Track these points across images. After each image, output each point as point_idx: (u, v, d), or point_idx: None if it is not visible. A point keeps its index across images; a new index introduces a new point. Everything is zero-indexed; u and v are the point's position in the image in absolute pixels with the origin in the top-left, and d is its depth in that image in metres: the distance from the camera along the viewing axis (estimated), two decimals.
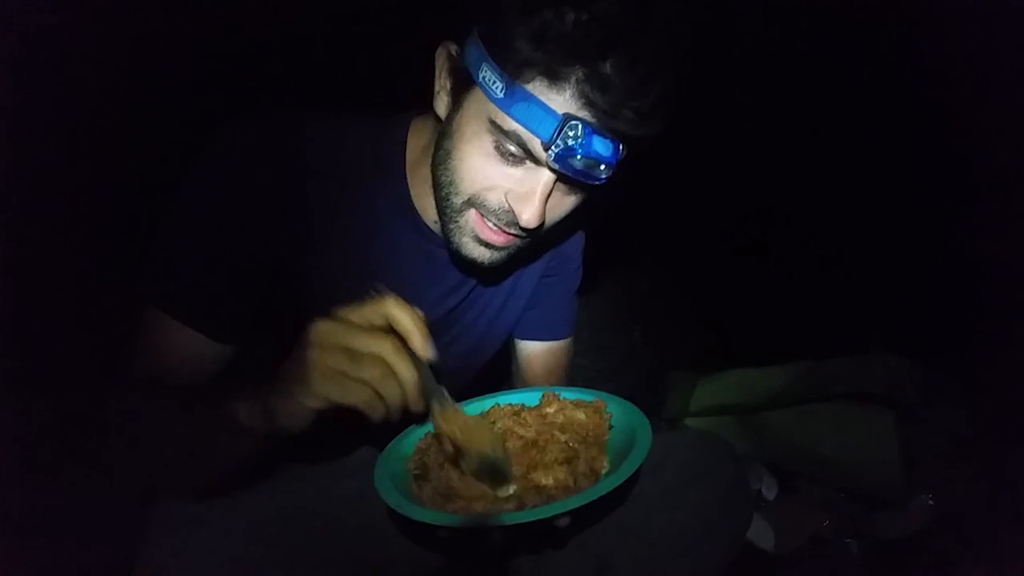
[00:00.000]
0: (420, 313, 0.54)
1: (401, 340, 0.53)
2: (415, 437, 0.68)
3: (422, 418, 0.67)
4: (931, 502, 1.21)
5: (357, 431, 0.81)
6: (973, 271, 1.65)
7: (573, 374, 1.00)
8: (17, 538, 0.95)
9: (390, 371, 0.50)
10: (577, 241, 0.91)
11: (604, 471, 0.62)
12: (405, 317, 0.53)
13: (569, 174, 0.59)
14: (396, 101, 0.75)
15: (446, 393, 0.59)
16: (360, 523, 0.73)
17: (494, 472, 0.59)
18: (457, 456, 0.60)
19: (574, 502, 0.54)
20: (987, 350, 1.43)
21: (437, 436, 0.62)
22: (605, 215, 0.85)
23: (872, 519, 1.22)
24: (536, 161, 0.60)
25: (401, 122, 0.73)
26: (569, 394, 0.74)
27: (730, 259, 2.07)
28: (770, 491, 1.30)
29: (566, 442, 0.64)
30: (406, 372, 0.51)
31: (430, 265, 0.75)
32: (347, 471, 0.80)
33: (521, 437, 0.66)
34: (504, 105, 0.57)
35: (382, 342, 0.50)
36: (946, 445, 1.28)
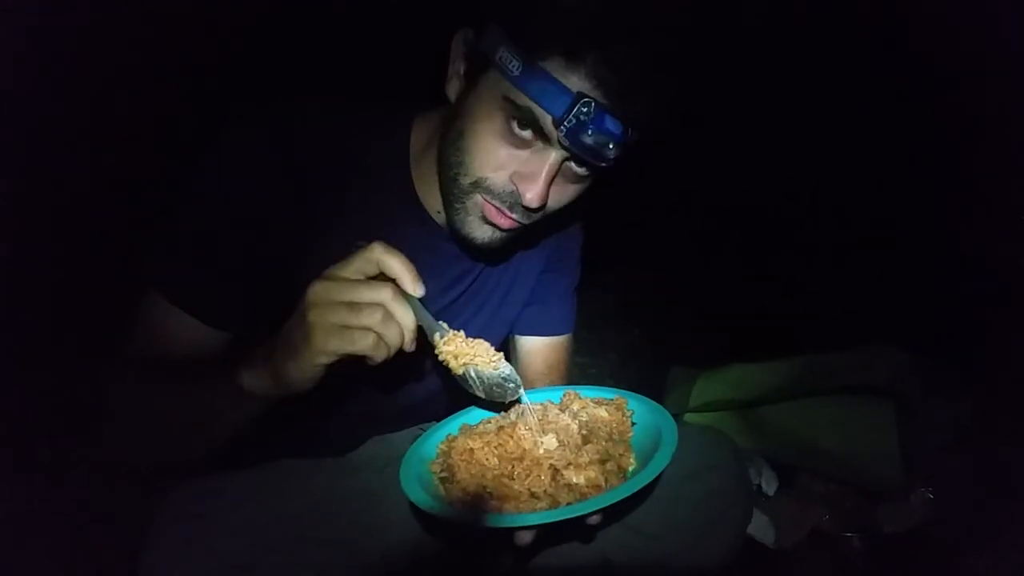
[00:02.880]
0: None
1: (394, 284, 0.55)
2: (436, 440, 0.67)
3: (428, 413, 0.67)
4: (931, 495, 1.21)
5: (364, 423, 0.82)
6: (973, 264, 1.65)
7: (574, 372, 1.00)
8: (17, 535, 0.95)
9: (389, 315, 0.53)
10: (576, 237, 0.91)
11: (631, 468, 0.62)
12: (394, 261, 0.55)
13: (578, 151, 0.60)
14: (401, 95, 0.76)
15: (444, 325, 0.61)
16: (364, 520, 0.73)
17: (502, 384, 0.62)
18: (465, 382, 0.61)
19: (608, 499, 0.54)
20: (987, 343, 1.43)
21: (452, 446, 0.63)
22: (605, 212, 0.86)
23: (873, 513, 1.23)
24: (546, 140, 0.61)
25: (405, 115, 0.74)
26: (590, 392, 0.74)
27: (730, 255, 2.07)
28: (770, 486, 1.30)
29: (594, 441, 0.63)
30: (404, 315, 0.54)
31: (432, 257, 0.76)
32: (351, 468, 0.80)
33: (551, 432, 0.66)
34: (519, 82, 0.59)
35: (379, 290, 0.53)
36: (946, 438, 1.28)
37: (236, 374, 0.58)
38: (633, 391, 0.73)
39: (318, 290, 0.53)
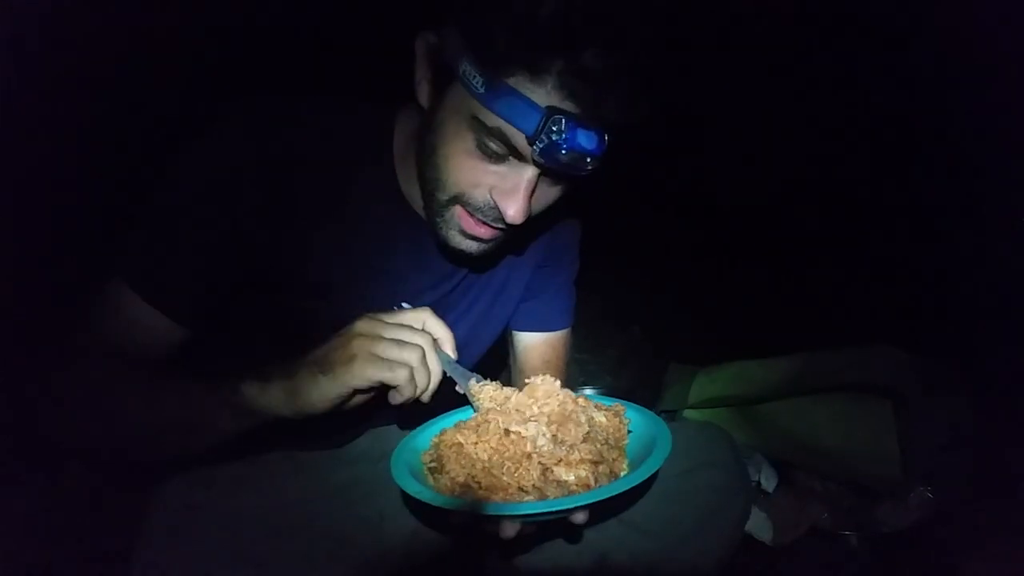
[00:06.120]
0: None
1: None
2: (431, 433, 0.67)
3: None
4: (930, 494, 1.21)
5: (363, 420, 0.81)
6: (973, 263, 1.65)
7: (573, 369, 0.99)
8: (13, 531, 0.95)
9: (424, 360, 0.58)
10: (572, 231, 0.90)
11: (623, 473, 0.62)
12: (440, 326, 0.63)
13: (555, 168, 0.59)
14: (383, 89, 0.74)
15: (479, 376, 0.67)
16: (359, 512, 0.73)
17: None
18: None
19: (594, 496, 0.54)
20: (987, 342, 1.43)
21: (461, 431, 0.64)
22: (604, 210, 0.85)
23: (871, 511, 1.22)
24: (519, 157, 0.60)
25: (389, 109, 0.73)
26: (589, 398, 0.73)
27: (729, 252, 2.07)
28: (769, 483, 1.30)
29: (589, 441, 0.63)
30: (436, 365, 0.60)
31: (419, 253, 0.75)
32: (347, 460, 0.80)
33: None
34: (486, 100, 0.56)
35: (423, 336, 0.59)
36: (945, 437, 1.28)
37: (241, 386, 0.59)
38: (632, 387, 0.73)
39: (366, 324, 0.58)
